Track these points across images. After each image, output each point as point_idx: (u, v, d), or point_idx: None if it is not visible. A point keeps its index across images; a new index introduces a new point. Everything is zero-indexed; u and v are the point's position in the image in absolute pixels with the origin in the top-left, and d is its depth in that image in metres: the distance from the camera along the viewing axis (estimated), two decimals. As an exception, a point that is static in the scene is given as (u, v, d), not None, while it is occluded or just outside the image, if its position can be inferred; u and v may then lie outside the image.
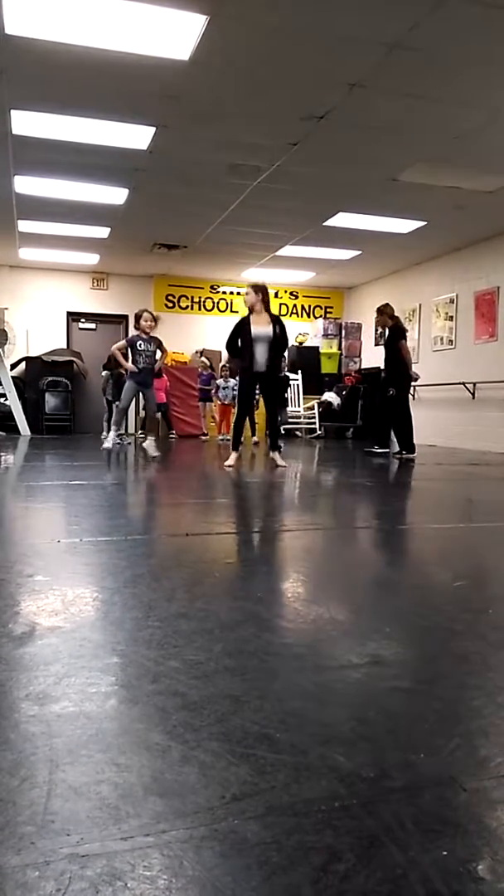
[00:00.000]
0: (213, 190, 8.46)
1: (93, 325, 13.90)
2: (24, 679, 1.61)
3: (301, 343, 14.22)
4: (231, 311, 14.12)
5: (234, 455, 7.16)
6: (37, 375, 12.46)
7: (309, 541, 3.60)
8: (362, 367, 14.31)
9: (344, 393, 13.40)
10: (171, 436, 12.38)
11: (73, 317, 13.74)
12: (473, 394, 10.67)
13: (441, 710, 1.51)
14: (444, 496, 5.77)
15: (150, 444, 7.89)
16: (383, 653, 1.87)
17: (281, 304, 14.47)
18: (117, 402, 11.23)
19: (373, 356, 13.69)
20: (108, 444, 7.67)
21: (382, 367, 9.23)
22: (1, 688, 1.57)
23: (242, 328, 7.12)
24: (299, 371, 13.26)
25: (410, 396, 9.11)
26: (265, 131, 6.66)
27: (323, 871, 0.97)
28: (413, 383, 9.21)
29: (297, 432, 13.30)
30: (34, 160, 7.54)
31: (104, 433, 11.72)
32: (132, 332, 8.52)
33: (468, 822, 1.11)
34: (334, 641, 1.98)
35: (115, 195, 8.71)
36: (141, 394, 8.14)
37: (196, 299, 14.14)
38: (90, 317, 13.82)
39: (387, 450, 8.94)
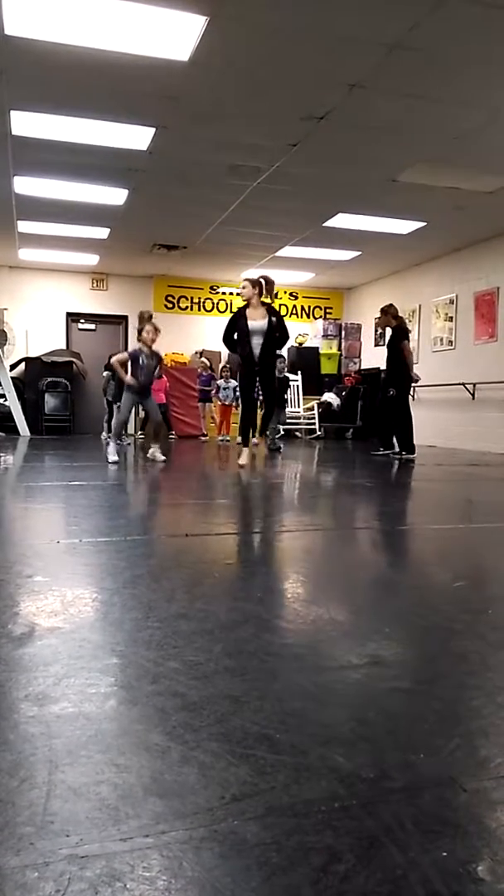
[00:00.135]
0: (212, 191, 8.46)
1: (92, 326, 13.90)
2: (23, 680, 1.61)
3: (301, 344, 14.22)
4: (231, 311, 14.08)
5: (245, 452, 7.15)
6: (36, 376, 12.46)
7: (308, 541, 3.60)
8: (362, 367, 14.32)
9: (344, 393, 13.40)
10: (171, 436, 12.38)
11: (73, 317, 13.74)
12: (473, 394, 10.67)
13: (441, 711, 1.51)
14: (443, 497, 5.77)
15: (155, 451, 7.75)
16: (383, 653, 1.87)
17: (281, 305, 14.46)
18: (118, 404, 11.27)
19: (373, 357, 13.70)
20: (113, 458, 7.43)
21: (384, 367, 9.23)
22: (0, 688, 1.57)
23: (237, 321, 7.09)
24: (299, 372, 13.26)
25: (410, 397, 9.11)
26: (265, 132, 6.67)
27: (323, 872, 0.97)
28: (413, 385, 9.21)
29: (297, 433, 13.30)
30: (34, 161, 7.54)
31: (104, 433, 11.73)
32: (132, 336, 8.40)
33: (468, 822, 1.10)
34: (334, 642, 1.98)
35: (115, 196, 8.71)
36: (140, 405, 8.01)
37: (196, 300, 14.14)
38: (90, 317, 13.82)
39: (390, 451, 8.92)
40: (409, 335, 9.12)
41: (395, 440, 9.02)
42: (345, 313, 15.06)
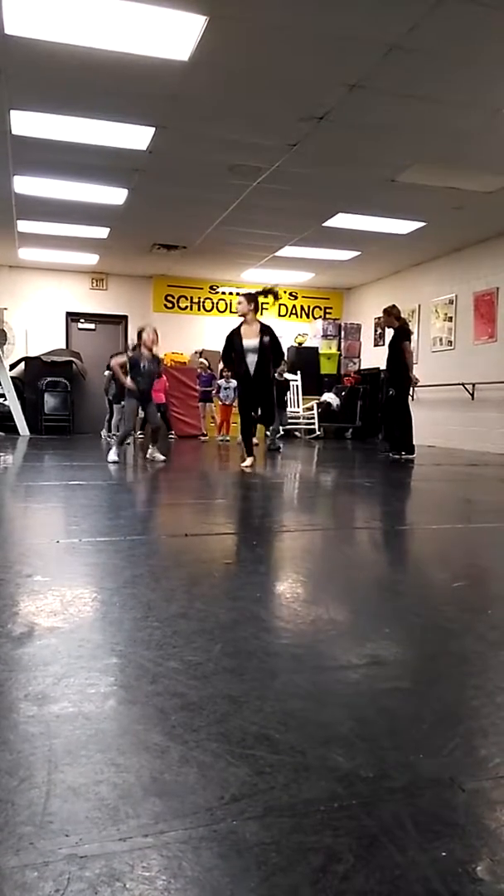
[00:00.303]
0: (212, 190, 8.46)
1: (92, 326, 13.89)
2: (23, 679, 1.61)
3: (300, 344, 14.22)
4: (230, 311, 14.10)
5: (249, 459, 7.25)
6: (36, 376, 12.46)
7: (308, 541, 3.61)
8: (361, 367, 14.32)
9: (343, 393, 13.40)
10: (171, 436, 12.38)
11: (73, 317, 13.74)
12: (473, 394, 10.67)
13: (440, 711, 1.51)
14: (443, 497, 5.77)
15: (154, 451, 7.73)
16: (382, 653, 1.87)
17: (280, 305, 14.47)
18: (121, 404, 11.26)
19: (372, 357, 13.70)
20: (113, 457, 7.40)
21: (384, 367, 9.24)
22: (0, 688, 1.57)
23: (233, 340, 7.28)
24: (298, 372, 13.27)
25: (410, 397, 9.11)
26: (265, 132, 6.66)
27: (322, 872, 0.97)
28: (413, 386, 9.22)
29: (297, 433, 13.30)
30: (33, 160, 7.53)
31: (104, 431, 11.74)
32: (132, 336, 8.36)
33: (467, 822, 1.11)
34: (333, 642, 1.98)
35: (115, 195, 8.71)
36: (141, 408, 7.92)
37: (195, 300, 14.14)
38: (89, 317, 13.81)
39: (402, 452, 8.86)
40: (411, 336, 9.12)
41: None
42: (344, 313, 15.05)
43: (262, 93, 5.81)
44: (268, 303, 14.03)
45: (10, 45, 5.09)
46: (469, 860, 1.01)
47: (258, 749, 1.30)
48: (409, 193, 8.26)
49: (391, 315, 8.79)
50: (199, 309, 14.16)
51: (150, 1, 4.53)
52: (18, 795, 1.14)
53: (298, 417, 13.25)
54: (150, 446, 7.85)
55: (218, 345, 13.45)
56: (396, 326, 8.79)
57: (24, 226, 10.24)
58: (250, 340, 7.13)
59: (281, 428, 11.58)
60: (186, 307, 14.07)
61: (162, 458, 7.65)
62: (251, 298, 7.26)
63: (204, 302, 14.19)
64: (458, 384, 10.82)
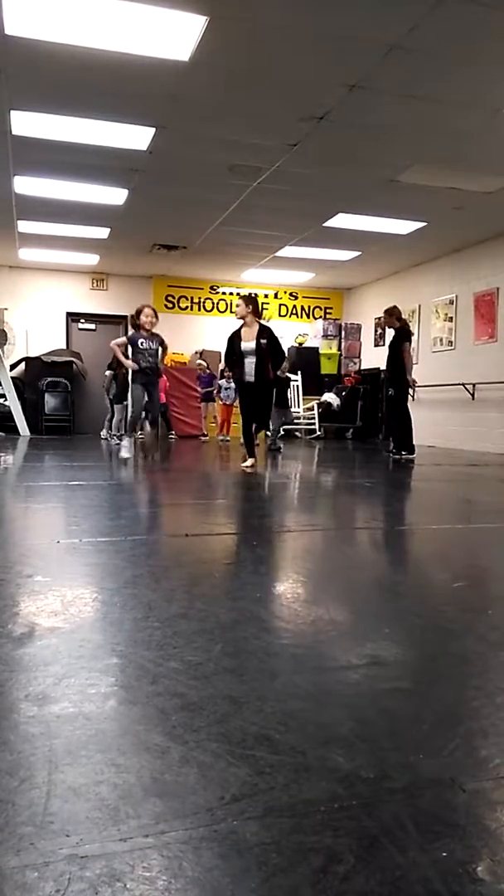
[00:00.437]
0: (212, 191, 8.46)
1: (92, 326, 13.89)
2: (23, 680, 1.61)
3: (300, 344, 14.23)
4: (231, 311, 14.10)
5: (250, 460, 7.27)
6: (36, 376, 12.46)
7: (308, 541, 3.61)
8: (362, 367, 14.32)
9: (343, 394, 13.40)
10: (171, 436, 12.38)
11: (73, 317, 13.74)
12: (473, 395, 10.67)
13: (440, 711, 1.51)
14: (443, 497, 5.77)
15: (126, 445, 7.56)
16: (383, 653, 1.87)
17: (280, 305, 14.48)
18: (123, 403, 11.25)
19: (373, 357, 13.70)
20: (125, 454, 7.32)
21: (384, 367, 9.25)
22: (0, 688, 1.57)
23: (233, 342, 7.35)
24: (299, 372, 13.27)
25: (410, 397, 9.13)
26: (265, 132, 6.66)
27: (322, 873, 0.97)
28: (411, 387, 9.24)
29: (297, 433, 13.30)
30: (34, 160, 7.53)
31: (104, 431, 11.73)
32: (131, 331, 8.24)
33: (468, 823, 1.11)
34: (334, 642, 1.98)
35: (115, 196, 8.71)
36: (146, 393, 7.67)
37: (195, 300, 14.14)
38: (90, 317, 13.82)
39: (404, 452, 8.87)
40: (412, 337, 9.13)
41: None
42: (344, 313, 15.05)
43: (262, 93, 5.81)
44: (268, 303, 14.07)
45: (10, 45, 5.09)
46: (470, 861, 1.01)
47: (258, 749, 1.31)
48: (410, 194, 8.26)
49: (392, 315, 8.81)
50: (199, 309, 14.17)
51: (150, 1, 4.53)
52: (19, 796, 1.14)
53: (299, 417, 13.25)
54: (126, 436, 7.57)
55: (218, 345, 13.51)
56: (397, 327, 8.81)
57: (24, 226, 10.25)
58: (248, 343, 7.18)
59: (282, 429, 11.59)
60: (187, 307, 14.07)
61: (127, 455, 7.42)
62: (249, 301, 7.31)
63: (204, 302, 14.19)
64: (459, 384, 10.82)
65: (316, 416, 13.25)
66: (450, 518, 4.62)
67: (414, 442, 8.93)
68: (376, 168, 7.54)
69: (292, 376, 12.79)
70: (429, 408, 11.45)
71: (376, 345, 13.77)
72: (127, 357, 7.59)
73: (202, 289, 14.12)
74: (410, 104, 5.93)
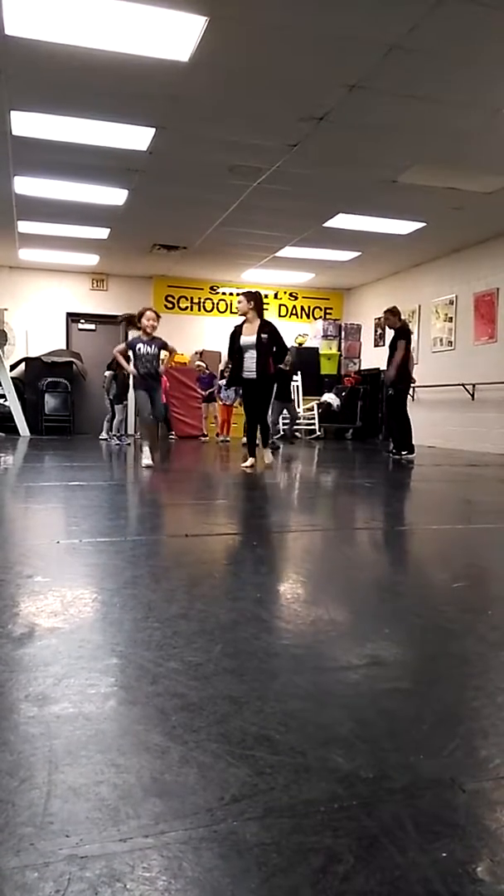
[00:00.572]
0: (212, 191, 8.46)
1: (92, 326, 13.89)
2: (23, 680, 1.61)
3: (300, 344, 14.22)
4: (231, 312, 14.10)
5: (250, 460, 7.28)
6: (36, 376, 12.46)
7: (308, 542, 3.61)
8: (362, 368, 14.32)
9: (343, 394, 13.40)
10: (171, 437, 12.38)
11: (73, 318, 13.74)
12: (473, 395, 10.67)
13: (440, 711, 1.51)
14: (443, 497, 5.77)
15: (145, 455, 7.15)
16: (383, 654, 1.87)
17: (280, 305, 14.47)
18: (123, 403, 11.25)
19: (373, 357, 13.70)
20: (147, 461, 6.96)
21: (384, 367, 9.26)
22: (0, 689, 1.57)
23: (234, 337, 7.36)
24: (299, 372, 13.27)
25: (409, 398, 9.14)
26: (265, 132, 6.66)
27: (322, 873, 0.97)
28: (413, 385, 9.26)
29: (297, 433, 13.30)
30: (34, 161, 7.53)
31: (103, 433, 11.72)
32: (131, 333, 8.13)
33: (467, 823, 1.11)
34: (334, 642, 1.98)
35: (115, 196, 8.71)
36: (149, 397, 7.32)
37: (196, 300, 14.14)
38: (90, 318, 13.81)
39: (405, 452, 8.88)
40: (411, 336, 9.14)
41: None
42: (344, 314, 15.05)
43: (262, 93, 5.81)
44: (268, 303, 14.07)
45: (10, 45, 5.09)
46: (469, 861, 1.01)
47: (258, 750, 1.31)
48: (410, 194, 8.26)
49: (395, 315, 8.85)
50: (199, 309, 14.17)
51: (150, 2, 4.53)
52: (19, 796, 1.14)
53: (299, 418, 13.26)
54: (142, 447, 7.26)
55: (218, 345, 13.52)
56: (397, 327, 8.83)
57: (24, 226, 10.25)
58: (248, 337, 7.18)
59: (283, 428, 11.58)
60: (187, 308, 14.07)
61: (149, 462, 7.03)
62: (251, 297, 7.30)
63: (204, 302, 14.19)
64: (459, 384, 10.82)
65: (316, 416, 13.25)
66: (450, 518, 4.62)
67: (414, 442, 8.95)
68: (376, 168, 7.54)
69: (294, 377, 12.80)
70: (429, 408, 11.45)
71: (376, 345, 13.77)
72: (129, 361, 7.40)
73: (202, 289, 14.12)
74: (410, 104, 5.93)
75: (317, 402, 13.38)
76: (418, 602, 2.51)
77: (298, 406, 13.19)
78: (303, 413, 13.29)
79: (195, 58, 5.20)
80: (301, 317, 14.81)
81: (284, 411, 11.24)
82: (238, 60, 5.30)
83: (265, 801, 1.14)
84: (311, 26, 4.79)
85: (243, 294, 7.42)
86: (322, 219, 9.55)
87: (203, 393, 12.47)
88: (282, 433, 11.60)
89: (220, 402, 12.21)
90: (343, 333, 14.75)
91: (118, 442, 11.02)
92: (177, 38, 4.95)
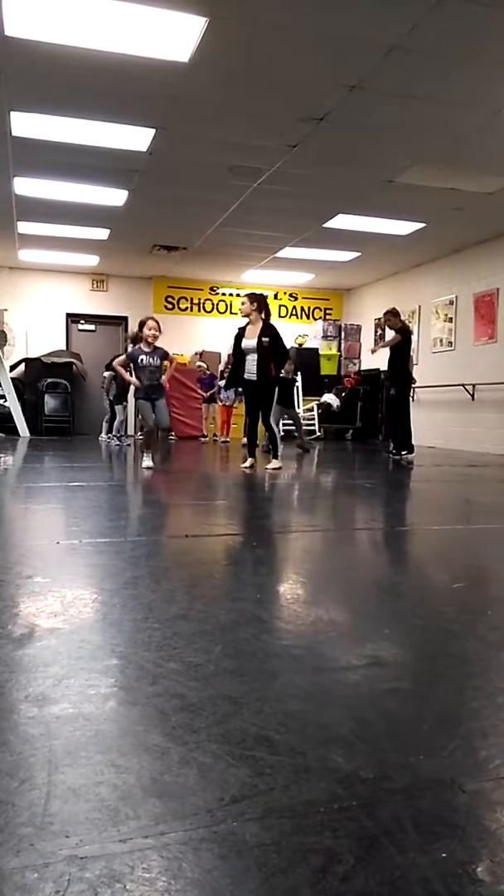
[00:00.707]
0: (212, 191, 8.46)
1: (92, 327, 13.89)
2: (23, 680, 1.61)
3: (300, 345, 14.23)
4: (230, 312, 14.11)
5: (250, 460, 7.28)
6: (36, 377, 12.46)
7: (308, 542, 3.61)
8: (361, 368, 14.32)
9: (343, 394, 13.40)
10: (171, 438, 12.37)
11: (73, 318, 13.74)
12: (473, 395, 10.67)
13: (440, 712, 1.51)
14: (443, 498, 5.77)
15: (147, 459, 7.07)
16: (382, 654, 1.87)
17: (280, 306, 14.47)
18: (123, 404, 11.24)
19: (373, 358, 13.69)
20: (148, 462, 6.96)
21: (384, 368, 9.29)
22: (0, 689, 1.57)
23: (237, 339, 7.36)
24: (298, 373, 13.26)
25: (411, 398, 9.17)
26: (265, 133, 6.67)
27: (322, 873, 0.97)
28: (414, 385, 9.29)
29: (296, 433, 13.29)
30: (34, 162, 7.54)
31: (103, 434, 11.72)
32: (130, 347, 8.01)
33: (467, 823, 1.11)
34: (333, 643, 1.98)
35: (115, 197, 8.71)
36: (153, 406, 7.24)
37: (195, 301, 14.15)
38: (89, 318, 13.82)
39: (404, 451, 8.89)
40: (411, 336, 9.16)
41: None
42: (344, 314, 15.06)
43: (262, 93, 5.81)
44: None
45: (10, 46, 5.09)
46: (469, 861, 1.01)
47: (258, 750, 1.30)
48: (409, 194, 8.27)
49: (396, 316, 8.88)
50: (199, 310, 14.17)
51: (150, 2, 4.54)
52: (19, 797, 1.14)
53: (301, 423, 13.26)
54: (143, 451, 7.22)
55: (218, 346, 13.52)
56: (398, 327, 8.85)
57: (24, 227, 10.25)
58: (250, 340, 7.18)
59: (283, 429, 11.56)
60: (186, 308, 14.08)
61: (149, 464, 6.98)
62: (254, 299, 7.29)
63: (204, 303, 14.19)
64: (459, 385, 10.82)
65: (315, 416, 13.24)
66: (450, 519, 4.62)
67: (413, 442, 8.96)
68: (376, 168, 7.55)
69: (296, 380, 12.79)
70: (429, 408, 11.45)
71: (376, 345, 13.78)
72: (130, 373, 7.36)
73: (202, 290, 14.12)
74: (410, 104, 5.93)
75: (316, 402, 13.38)
76: (418, 602, 2.51)
77: (298, 407, 13.19)
78: (303, 413, 13.29)
79: (195, 58, 5.20)
80: (301, 317, 14.82)
81: (285, 416, 11.23)
82: (238, 60, 5.30)
83: (265, 801, 1.14)
84: (311, 26, 4.79)
85: (247, 296, 7.41)
86: (322, 219, 9.55)
87: (204, 394, 12.47)
88: (282, 434, 11.58)
89: (220, 403, 12.21)
90: (343, 334, 14.75)
91: (118, 443, 11.02)
92: (177, 38, 4.95)
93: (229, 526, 4.18)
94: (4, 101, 6.06)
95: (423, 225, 9.67)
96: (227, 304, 14.18)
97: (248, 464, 7.18)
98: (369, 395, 13.30)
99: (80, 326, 13.85)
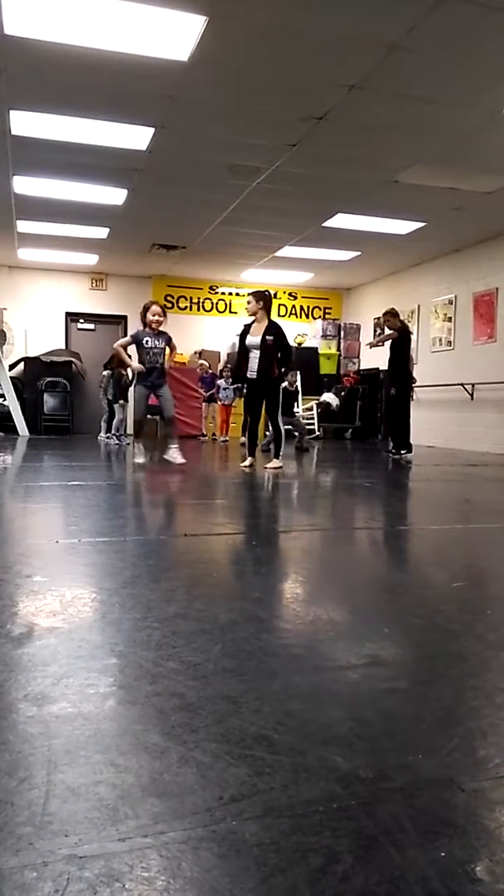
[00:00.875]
0: (212, 191, 8.46)
1: (91, 326, 13.89)
2: (22, 680, 1.61)
3: (300, 344, 14.23)
4: (230, 311, 14.12)
5: (249, 459, 7.28)
6: (35, 376, 12.46)
7: (307, 542, 3.61)
8: (361, 367, 14.32)
9: (343, 394, 13.40)
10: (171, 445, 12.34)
11: (72, 317, 13.74)
12: (472, 395, 10.67)
13: (439, 711, 1.51)
14: (442, 497, 5.77)
15: (174, 451, 7.24)
16: (382, 653, 1.87)
17: (280, 305, 14.47)
18: (120, 403, 11.22)
19: (372, 357, 13.69)
20: (140, 458, 7.12)
21: (384, 367, 9.31)
22: (-1, 688, 1.57)
23: (242, 336, 7.37)
24: (298, 372, 13.26)
25: (411, 398, 9.18)
26: (264, 132, 6.67)
27: (321, 873, 0.97)
28: (414, 385, 9.31)
29: (296, 433, 13.29)
30: (33, 160, 7.53)
31: (101, 434, 11.70)
32: (131, 331, 8.12)
33: (466, 822, 1.11)
34: (333, 642, 1.98)
35: (114, 196, 8.71)
36: (155, 395, 7.36)
37: (195, 300, 14.14)
38: (89, 317, 13.82)
39: (403, 451, 8.91)
40: (411, 336, 9.17)
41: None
42: (344, 313, 15.06)
43: (261, 93, 5.81)
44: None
45: (9, 45, 5.09)
46: (468, 860, 1.01)
47: (257, 749, 1.30)
48: (409, 194, 8.27)
49: (395, 317, 8.89)
50: (198, 309, 14.17)
51: (149, 1, 4.53)
52: (18, 796, 1.14)
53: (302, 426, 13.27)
54: (169, 445, 7.28)
55: (217, 345, 13.51)
56: (398, 327, 8.86)
57: (23, 226, 10.25)
58: (254, 338, 7.19)
59: (283, 438, 11.53)
60: (186, 307, 14.08)
61: (182, 459, 7.15)
62: (259, 297, 7.29)
63: (203, 302, 14.19)
64: (458, 384, 10.83)
65: (315, 416, 13.24)
66: (449, 518, 4.62)
67: (412, 441, 8.97)
68: (376, 168, 7.55)
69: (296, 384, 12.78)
70: (428, 408, 11.45)
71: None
72: (130, 357, 7.42)
73: (201, 289, 14.12)
74: (410, 104, 5.93)
75: (316, 401, 13.38)
76: (417, 602, 2.51)
77: (297, 407, 13.18)
78: (302, 413, 13.28)
79: (195, 57, 5.20)
80: (300, 316, 14.82)
81: (286, 423, 11.23)
82: (237, 59, 5.30)
83: (264, 800, 1.14)
84: (311, 26, 4.79)
85: (252, 294, 7.39)
86: (321, 218, 9.55)
87: (205, 393, 12.46)
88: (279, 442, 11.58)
89: (220, 402, 12.21)
90: (342, 333, 14.75)
91: (117, 442, 11.01)
92: (176, 37, 4.95)
93: (228, 525, 4.18)
94: (4, 99, 6.06)
95: (422, 224, 9.67)
96: (226, 304, 14.18)
97: (247, 463, 7.18)
98: (368, 395, 13.31)
99: (80, 325, 13.84)
